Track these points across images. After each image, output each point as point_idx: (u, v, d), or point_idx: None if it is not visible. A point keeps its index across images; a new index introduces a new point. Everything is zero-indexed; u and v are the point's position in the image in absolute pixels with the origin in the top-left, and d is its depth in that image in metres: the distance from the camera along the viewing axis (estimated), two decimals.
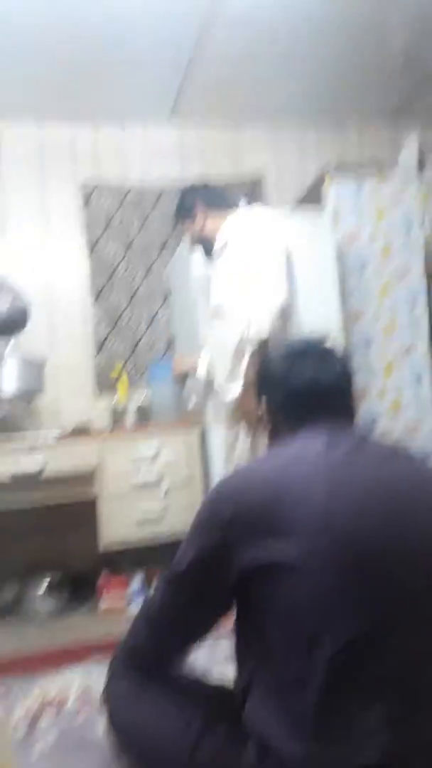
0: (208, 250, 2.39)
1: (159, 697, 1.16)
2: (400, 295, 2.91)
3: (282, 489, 0.99)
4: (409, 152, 3.34)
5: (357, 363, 2.87)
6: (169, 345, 3.35)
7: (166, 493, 2.67)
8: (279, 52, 2.94)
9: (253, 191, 3.54)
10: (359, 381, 2.94)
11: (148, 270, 3.37)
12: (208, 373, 2.30)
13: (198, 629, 1.13)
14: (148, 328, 3.33)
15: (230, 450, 2.27)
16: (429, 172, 3.16)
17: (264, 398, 1.28)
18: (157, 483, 2.67)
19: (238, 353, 2.10)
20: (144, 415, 2.89)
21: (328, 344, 1.26)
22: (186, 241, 2.58)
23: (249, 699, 1.00)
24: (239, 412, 2.16)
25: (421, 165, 3.18)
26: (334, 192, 3.00)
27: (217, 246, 2.32)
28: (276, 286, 2.18)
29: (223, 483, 1.09)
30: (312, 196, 3.18)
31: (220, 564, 1.00)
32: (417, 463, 1.11)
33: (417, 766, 0.90)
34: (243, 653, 1.06)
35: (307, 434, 1.10)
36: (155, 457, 2.68)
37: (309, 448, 1.06)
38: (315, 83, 3.27)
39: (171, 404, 2.88)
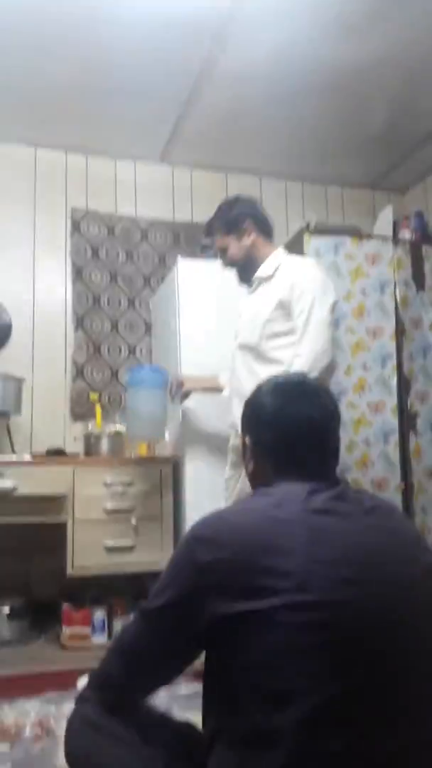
0: (246, 275, 2.29)
1: (122, 730, 1.09)
2: (370, 354, 3.04)
3: (262, 538, 0.96)
4: (384, 222, 3.51)
5: None
6: None
7: (136, 524, 2.69)
8: (267, 111, 3.15)
9: None
10: None
11: (132, 301, 3.44)
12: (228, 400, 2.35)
13: (170, 668, 1.08)
14: (128, 357, 3.38)
15: (231, 488, 2.28)
16: (402, 242, 3.31)
17: (250, 437, 1.23)
18: (129, 512, 2.71)
19: None
20: (117, 444, 2.90)
21: (315, 385, 1.26)
22: (216, 257, 2.40)
23: (214, 749, 0.96)
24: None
25: (395, 236, 3.34)
26: (313, 248, 3.15)
27: (261, 273, 2.23)
28: (318, 335, 2.08)
29: (203, 524, 1.04)
30: (291, 250, 3.30)
31: (191, 608, 0.96)
32: (397, 517, 1.11)
33: None
34: (210, 701, 1.02)
35: (291, 478, 1.08)
36: (128, 485, 2.71)
37: (292, 494, 1.04)
38: (300, 144, 3.49)
39: (148, 414, 2.68)
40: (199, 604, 0.95)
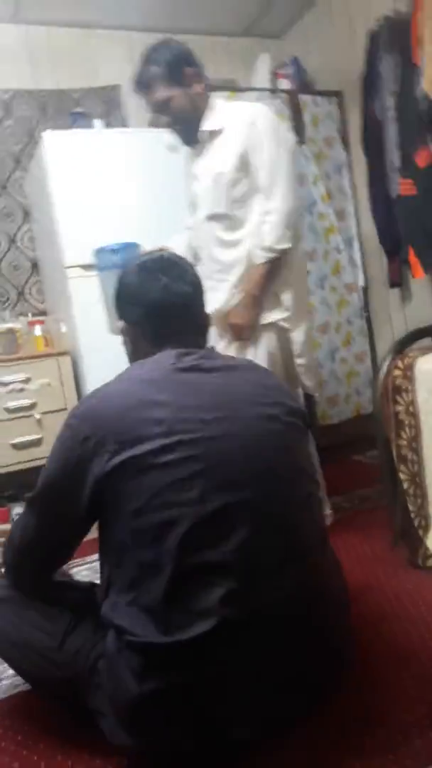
0: (191, 132, 2.01)
1: (28, 599, 1.24)
2: None
3: (136, 397, 1.10)
4: (262, 73, 3.32)
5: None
6: (35, 265, 3.21)
7: (40, 418, 2.66)
8: None
9: (111, 102, 3.37)
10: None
11: (4, 186, 3.17)
12: None
13: (63, 545, 1.20)
14: (9, 249, 3.17)
15: None
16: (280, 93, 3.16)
17: (122, 318, 1.33)
18: (31, 408, 2.67)
19: (247, 261, 1.97)
20: (10, 342, 2.78)
21: (181, 261, 1.33)
22: (154, 113, 2.04)
23: (107, 596, 1.11)
24: (225, 324, 2.05)
25: (273, 87, 3.17)
26: None
27: (209, 127, 1.98)
28: (287, 190, 1.92)
29: (81, 403, 1.17)
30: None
31: (76, 480, 1.08)
32: (260, 371, 1.31)
33: (243, 635, 1.03)
34: (104, 556, 1.15)
35: (162, 349, 1.21)
36: (25, 382, 2.65)
37: (162, 358, 1.18)
38: None
39: None
40: (84, 472, 1.07)
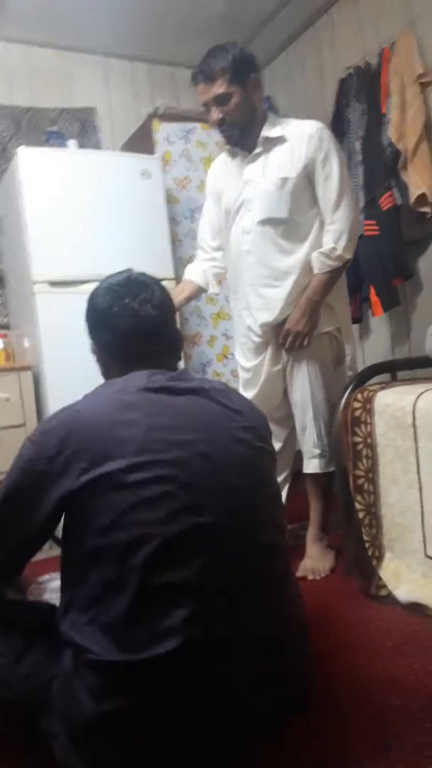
0: (245, 136, 1.98)
1: None
2: None
3: (107, 417, 1.10)
4: None
5: (189, 310, 2.96)
6: (1, 278, 3.18)
7: None
8: None
9: (86, 123, 3.41)
10: (192, 327, 3.05)
11: None
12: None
13: (14, 556, 1.18)
14: None
15: (254, 376, 2.16)
16: None
17: (93, 340, 1.33)
18: None
19: (301, 270, 1.99)
20: None
21: (148, 281, 1.32)
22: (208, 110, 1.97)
23: (67, 614, 1.09)
24: (274, 332, 2.05)
25: None
26: (162, 135, 3.07)
27: (270, 134, 1.97)
28: (351, 203, 1.98)
29: (49, 420, 1.15)
30: (140, 137, 3.18)
31: (35, 496, 1.08)
32: (227, 392, 1.28)
33: (204, 658, 1.02)
34: (66, 573, 1.13)
35: (133, 370, 1.21)
36: None
37: (133, 379, 1.19)
38: (144, 23, 3.25)
39: None
40: (46, 489, 1.06)
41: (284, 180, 1.95)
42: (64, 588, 1.14)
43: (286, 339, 2.02)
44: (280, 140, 1.98)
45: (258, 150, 2.00)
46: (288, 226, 1.98)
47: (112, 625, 1.01)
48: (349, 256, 1.99)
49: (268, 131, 1.98)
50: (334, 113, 3.07)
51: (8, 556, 1.17)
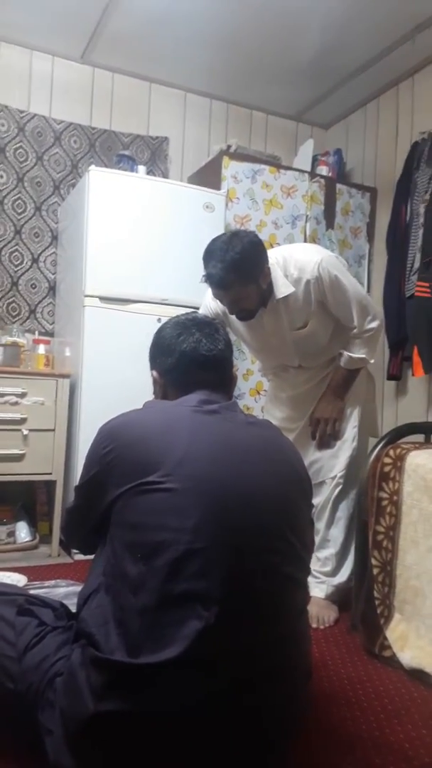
0: (254, 313, 2.08)
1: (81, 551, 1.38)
2: None
3: (153, 431, 1.18)
4: (304, 155, 3.52)
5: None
6: (52, 287, 3.27)
7: (28, 434, 2.66)
8: (196, 24, 2.99)
9: (157, 152, 3.53)
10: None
11: (39, 208, 3.26)
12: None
13: (91, 529, 1.26)
14: (30, 267, 3.23)
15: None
16: (318, 177, 3.37)
17: (155, 368, 1.40)
18: (20, 423, 2.66)
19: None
20: (13, 355, 2.81)
21: (214, 322, 1.42)
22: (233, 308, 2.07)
23: (87, 604, 1.14)
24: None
25: (312, 171, 3.36)
26: (231, 172, 3.14)
27: (284, 292, 2.05)
28: (372, 311, 2.13)
29: (107, 424, 1.25)
30: (209, 171, 3.26)
31: (97, 490, 1.18)
32: (275, 431, 1.34)
33: (208, 674, 1.03)
34: (95, 563, 1.20)
35: (186, 395, 1.28)
36: (21, 396, 2.66)
37: (187, 400, 1.26)
38: (228, 63, 3.35)
39: None
40: (103, 485, 1.16)
41: (306, 323, 2.13)
42: (90, 577, 1.20)
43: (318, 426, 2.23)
44: (290, 294, 2.07)
45: (273, 303, 2.09)
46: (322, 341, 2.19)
47: (127, 624, 1.04)
48: (372, 361, 2.18)
49: (280, 293, 2.06)
50: (402, 174, 3.12)
51: (87, 524, 1.27)
